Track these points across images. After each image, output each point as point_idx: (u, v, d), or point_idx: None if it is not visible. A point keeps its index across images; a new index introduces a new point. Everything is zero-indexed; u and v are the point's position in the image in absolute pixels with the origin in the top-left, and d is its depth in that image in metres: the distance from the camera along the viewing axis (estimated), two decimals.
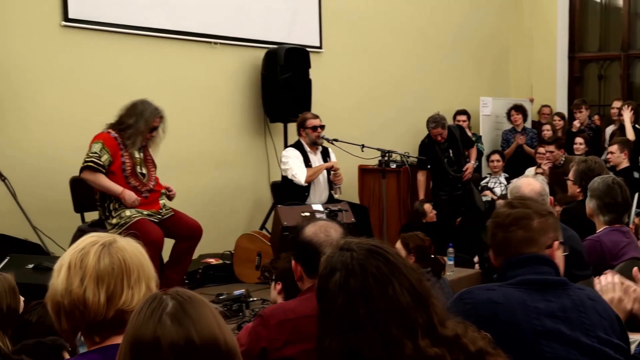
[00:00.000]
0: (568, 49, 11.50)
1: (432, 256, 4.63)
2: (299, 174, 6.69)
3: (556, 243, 2.45)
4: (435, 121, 7.81)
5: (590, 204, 4.16)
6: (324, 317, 1.76)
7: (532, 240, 2.41)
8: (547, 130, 9.58)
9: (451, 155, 7.91)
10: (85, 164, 5.41)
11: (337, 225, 2.88)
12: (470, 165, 7.97)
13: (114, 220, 5.47)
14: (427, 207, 7.41)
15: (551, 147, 8.33)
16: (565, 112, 10.75)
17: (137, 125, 5.53)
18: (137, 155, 5.63)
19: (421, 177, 8.04)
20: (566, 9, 11.41)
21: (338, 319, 1.71)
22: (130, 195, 5.48)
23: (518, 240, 2.41)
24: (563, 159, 8.23)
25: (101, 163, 5.42)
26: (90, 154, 5.41)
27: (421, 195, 7.94)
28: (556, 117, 10.32)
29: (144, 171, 5.68)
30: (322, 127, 6.85)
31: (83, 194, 5.74)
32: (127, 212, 5.47)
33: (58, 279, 1.89)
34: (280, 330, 2.74)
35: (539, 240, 2.42)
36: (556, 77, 11.44)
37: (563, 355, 2.19)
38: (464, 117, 9.50)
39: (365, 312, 1.68)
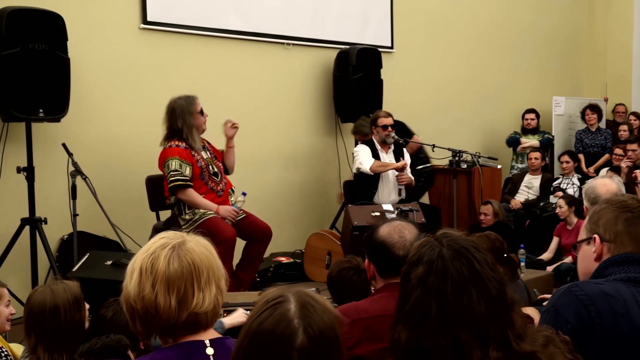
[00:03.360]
0: None
1: (505, 255, 4.50)
2: (365, 163, 6.66)
3: None
4: (354, 126, 7.45)
5: None
6: (401, 304, 1.76)
7: None
8: (623, 131, 9.36)
9: None
10: (174, 184, 5.48)
11: (412, 226, 2.85)
12: None
13: (188, 216, 5.58)
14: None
15: (634, 146, 8.08)
16: None
17: (186, 123, 5.56)
18: (205, 155, 5.72)
19: None
20: None
21: (412, 310, 1.72)
22: (225, 210, 5.63)
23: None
24: None
25: (188, 177, 5.50)
26: (173, 172, 5.46)
27: None
28: (631, 117, 10.08)
29: (216, 170, 5.78)
30: (393, 126, 6.83)
31: (158, 193, 5.87)
32: (202, 209, 5.58)
33: (130, 284, 1.89)
34: (353, 329, 2.76)
35: None
36: (632, 75, 11.15)
37: None
38: (532, 116, 9.34)
39: (437, 313, 1.67)
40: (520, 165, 9.15)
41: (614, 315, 2.08)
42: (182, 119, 5.54)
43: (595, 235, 2.31)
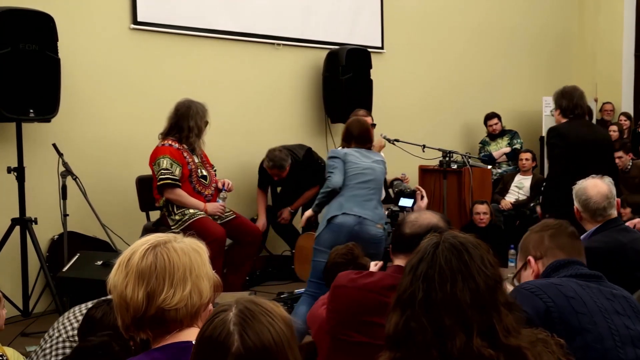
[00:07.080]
0: (635, 47, 11.26)
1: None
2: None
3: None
4: (272, 160, 6.67)
5: None
6: (397, 289, 1.88)
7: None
8: (613, 132, 9.38)
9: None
10: (164, 182, 5.49)
11: (439, 217, 2.86)
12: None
13: (177, 217, 5.58)
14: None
15: (619, 153, 8.15)
16: (630, 111, 10.52)
17: (197, 125, 5.62)
18: (197, 160, 5.72)
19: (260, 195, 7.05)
20: (633, 5, 11.17)
21: (402, 294, 1.84)
22: (212, 206, 5.65)
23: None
24: (630, 163, 8.09)
25: (177, 178, 5.51)
26: (163, 171, 5.48)
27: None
28: (622, 117, 10.11)
29: (205, 173, 5.76)
30: (372, 125, 6.80)
31: (148, 193, 5.86)
32: (191, 210, 5.57)
33: (110, 274, 1.98)
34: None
35: None
36: (621, 76, 11.20)
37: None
38: (494, 120, 9.15)
39: (423, 297, 1.79)
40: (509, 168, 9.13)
41: (566, 299, 2.31)
42: (195, 120, 5.61)
43: (530, 257, 2.68)
